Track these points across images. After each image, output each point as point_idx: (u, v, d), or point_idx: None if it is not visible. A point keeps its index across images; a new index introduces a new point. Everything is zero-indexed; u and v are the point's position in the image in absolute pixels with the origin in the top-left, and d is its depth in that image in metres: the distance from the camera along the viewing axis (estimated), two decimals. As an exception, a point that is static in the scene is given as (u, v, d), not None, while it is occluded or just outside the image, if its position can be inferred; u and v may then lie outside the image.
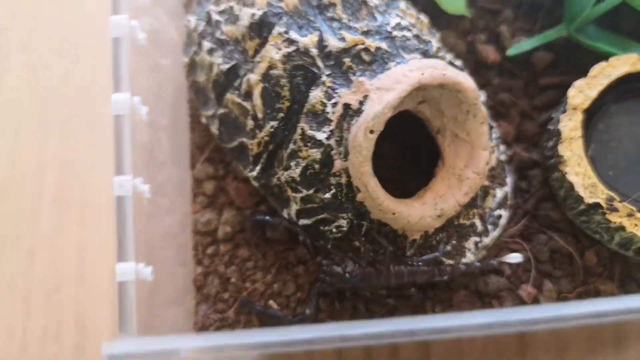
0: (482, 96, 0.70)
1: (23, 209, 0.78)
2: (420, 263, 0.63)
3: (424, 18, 0.70)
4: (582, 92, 0.67)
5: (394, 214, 0.60)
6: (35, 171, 0.79)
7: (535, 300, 0.68)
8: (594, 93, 0.66)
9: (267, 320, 0.66)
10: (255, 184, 0.66)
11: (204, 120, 0.70)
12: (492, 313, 0.54)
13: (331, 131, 0.59)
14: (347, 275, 0.62)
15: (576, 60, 0.74)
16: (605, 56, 0.68)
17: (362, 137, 0.56)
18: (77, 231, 0.77)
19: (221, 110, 0.66)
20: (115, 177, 0.49)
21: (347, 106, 0.58)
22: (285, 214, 0.66)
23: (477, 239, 0.67)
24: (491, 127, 0.70)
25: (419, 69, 0.57)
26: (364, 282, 0.63)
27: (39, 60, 0.84)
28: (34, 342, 0.75)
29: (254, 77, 0.61)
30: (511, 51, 0.74)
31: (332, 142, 0.59)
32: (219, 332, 0.62)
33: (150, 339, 0.47)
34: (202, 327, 0.65)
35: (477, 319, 0.50)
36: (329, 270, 0.62)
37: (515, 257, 0.66)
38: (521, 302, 0.68)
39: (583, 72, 0.68)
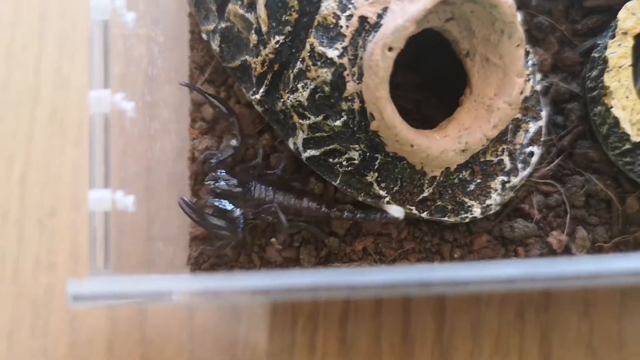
0: (518, 16, 0.62)
1: (15, 129, 0.72)
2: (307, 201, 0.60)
3: None
4: (635, 14, 0.58)
5: (412, 145, 0.53)
6: (30, 89, 0.73)
7: (567, 250, 0.61)
8: (649, 15, 0.58)
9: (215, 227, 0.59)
10: (258, 108, 0.59)
11: (204, 36, 0.63)
12: (513, 264, 0.48)
13: (344, 48, 0.51)
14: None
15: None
16: (664, -26, 0.59)
17: (380, 55, 0.49)
18: (73, 153, 0.71)
19: (223, 24, 0.59)
20: (92, 92, 0.42)
21: (363, 19, 0.50)
22: (291, 143, 0.59)
23: (504, 178, 0.60)
24: (527, 53, 0.62)
25: (450, -24, 0.49)
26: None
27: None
28: (27, 271, 0.71)
29: (258, -17, 0.53)
30: (554, -33, 0.65)
31: (344, 60, 0.51)
32: (205, 273, 0.57)
33: (123, 278, 0.41)
34: (195, 264, 0.60)
35: (496, 270, 0.43)
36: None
37: (396, 211, 0.59)
38: (550, 250, 0.61)
39: (636, -5, 0.59)
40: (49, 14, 0.74)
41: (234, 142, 0.61)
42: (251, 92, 0.59)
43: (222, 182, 0.59)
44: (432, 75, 0.65)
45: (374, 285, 0.42)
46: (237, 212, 0.57)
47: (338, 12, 0.51)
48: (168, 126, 0.60)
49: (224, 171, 0.60)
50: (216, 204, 0.58)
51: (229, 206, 0.58)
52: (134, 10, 0.49)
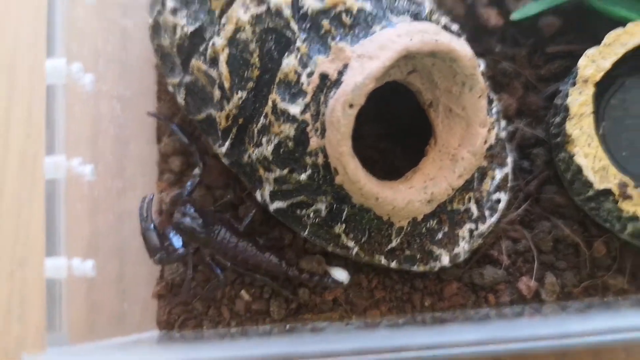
0: (481, 65, 0.63)
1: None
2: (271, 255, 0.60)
3: (417, -25, 0.62)
4: (595, 62, 0.59)
5: (377, 198, 0.53)
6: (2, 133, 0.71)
7: (536, 295, 0.61)
8: (607, 64, 0.58)
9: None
10: (225, 161, 0.59)
11: (170, 88, 0.63)
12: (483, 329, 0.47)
13: (306, 104, 0.51)
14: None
15: (588, 27, 0.66)
16: (621, 22, 0.61)
17: (341, 112, 0.49)
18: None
19: (187, 78, 0.59)
20: (47, 157, 0.42)
21: (324, 76, 0.50)
22: (258, 195, 0.59)
23: (472, 225, 0.60)
24: (491, 101, 0.63)
25: (408, 34, 0.49)
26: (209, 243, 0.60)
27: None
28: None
29: (219, 41, 0.53)
30: (515, 15, 0.67)
31: (307, 116, 0.51)
32: (175, 333, 0.56)
33: (83, 350, 0.40)
34: (166, 323, 0.59)
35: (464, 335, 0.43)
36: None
37: (341, 274, 0.59)
38: (520, 296, 0.61)
39: (596, 40, 0.61)
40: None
41: (196, 171, 0.61)
42: (217, 145, 0.59)
43: (188, 219, 0.59)
44: (397, 124, 0.66)
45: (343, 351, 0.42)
46: (181, 250, 0.57)
47: (299, 69, 0.51)
48: (134, 181, 0.60)
49: (193, 208, 0.60)
50: (170, 235, 0.58)
51: (177, 243, 0.58)
52: (92, 71, 0.48)
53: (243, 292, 0.62)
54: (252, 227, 0.62)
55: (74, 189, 0.44)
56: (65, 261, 0.42)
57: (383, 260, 0.59)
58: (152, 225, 0.57)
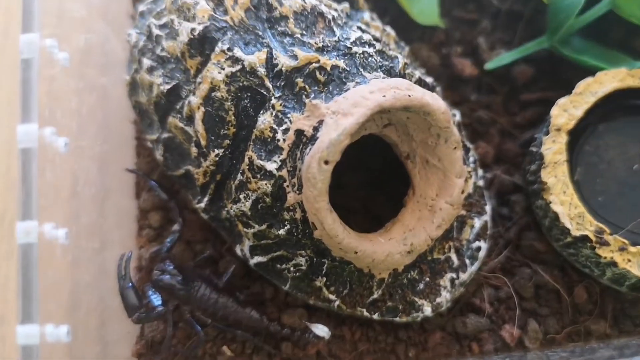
0: (456, 115, 0.64)
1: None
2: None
3: (390, 31, 0.63)
4: (567, 110, 0.60)
5: (356, 252, 0.53)
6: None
7: (520, 342, 0.61)
8: (579, 112, 0.60)
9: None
10: (204, 216, 0.59)
11: (149, 144, 0.63)
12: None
13: (282, 161, 0.52)
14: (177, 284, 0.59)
15: (560, 74, 0.68)
16: (591, 70, 0.62)
17: (316, 168, 0.49)
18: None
19: (165, 135, 0.59)
20: (20, 223, 0.42)
21: (299, 132, 0.51)
22: (238, 250, 0.59)
23: (453, 275, 0.60)
24: (467, 149, 0.63)
25: (381, 90, 0.50)
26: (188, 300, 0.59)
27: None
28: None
29: (195, 100, 0.54)
30: (489, 65, 0.68)
31: (284, 173, 0.52)
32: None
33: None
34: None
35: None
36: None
37: (322, 330, 0.60)
38: (504, 344, 0.61)
39: (567, 88, 0.62)
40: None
41: (176, 227, 0.61)
42: (196, 200, 0.59)
43: (167, 276, 0.58)
44: (377, 173, 0.66)
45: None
46: (160, 308, 0.57)
47: (275, 126, 0.52)
48: (112, 238, 0.59)
49: (172, 265, 0.59)
50: (149, 293, 0.57)
51: (156, 301, 0.57)
52: (66, 133, 0.48)
53: (225, 348, 0.62)
54: (232, 282, 0.62)
55: (47, 253, 0.44)
56: (38, 328, 0.42)
57: (365, 313, 0.59)
58: (130, 284, 0.56)
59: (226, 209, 0.57)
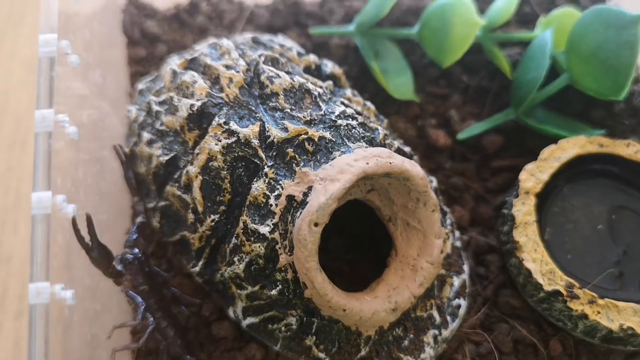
0: (433, 181, 0.69)
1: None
2: None
3: (370, 105, 0.68)
4: (534, 175, 0.65)
5: (344, 310, 0.56)
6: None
7: (501, 397, 0.64)
8: (545, 176, 0.65)
9: None
10: (198, 279, 0.62)
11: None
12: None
13: (275, 224, 0.56)
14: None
15: (526, 142, 0.73)
16: (554, 138, 0.68)
17: (307, 230, 0.53)
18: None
19: (162, 203, 0.63)
20: (31, 284, 0.45)
21: (290, 198, 0.55)
22: (231, 312, 0.62)
23: (436, 331, 0.64)
24: (445, 213, 0.68)
25: (364, 158, 0.55)
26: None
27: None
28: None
29: (193, 169, 0.58)
30: (461, 135, 0.74)
31: (276, 235, 0.56)
32: None
33: None
34: None
35: None
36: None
37: None
38: (486, 399, 0.63)
39: (533, 154, 0.67)
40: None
41: (139, 219, 0.63)
42: (191, 265, 0.62)
43: (132, 255, 0.60)
44: (362, 236, 0.70)
45: None
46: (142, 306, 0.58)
47: (267, 192, 0.56)
48: (110, 305, 0.62)
49: (140, 253, 0.61)
50: (128, 256, 0.59)
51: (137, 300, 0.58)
52: (75, 201, 0.52)
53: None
54: (225, 345, 0.64)
55: (57, 313, 0.47)
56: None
57: (353, 370, 0.62)
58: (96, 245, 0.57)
59: (220, 271, 0.60)
